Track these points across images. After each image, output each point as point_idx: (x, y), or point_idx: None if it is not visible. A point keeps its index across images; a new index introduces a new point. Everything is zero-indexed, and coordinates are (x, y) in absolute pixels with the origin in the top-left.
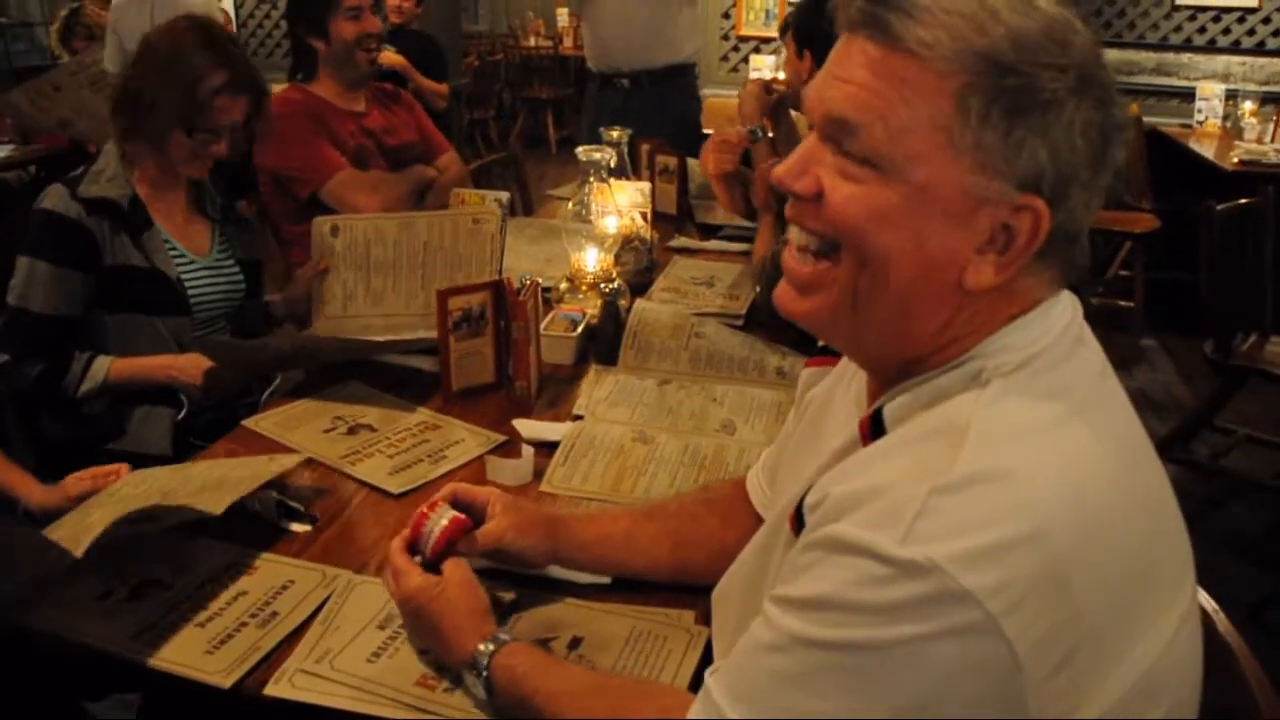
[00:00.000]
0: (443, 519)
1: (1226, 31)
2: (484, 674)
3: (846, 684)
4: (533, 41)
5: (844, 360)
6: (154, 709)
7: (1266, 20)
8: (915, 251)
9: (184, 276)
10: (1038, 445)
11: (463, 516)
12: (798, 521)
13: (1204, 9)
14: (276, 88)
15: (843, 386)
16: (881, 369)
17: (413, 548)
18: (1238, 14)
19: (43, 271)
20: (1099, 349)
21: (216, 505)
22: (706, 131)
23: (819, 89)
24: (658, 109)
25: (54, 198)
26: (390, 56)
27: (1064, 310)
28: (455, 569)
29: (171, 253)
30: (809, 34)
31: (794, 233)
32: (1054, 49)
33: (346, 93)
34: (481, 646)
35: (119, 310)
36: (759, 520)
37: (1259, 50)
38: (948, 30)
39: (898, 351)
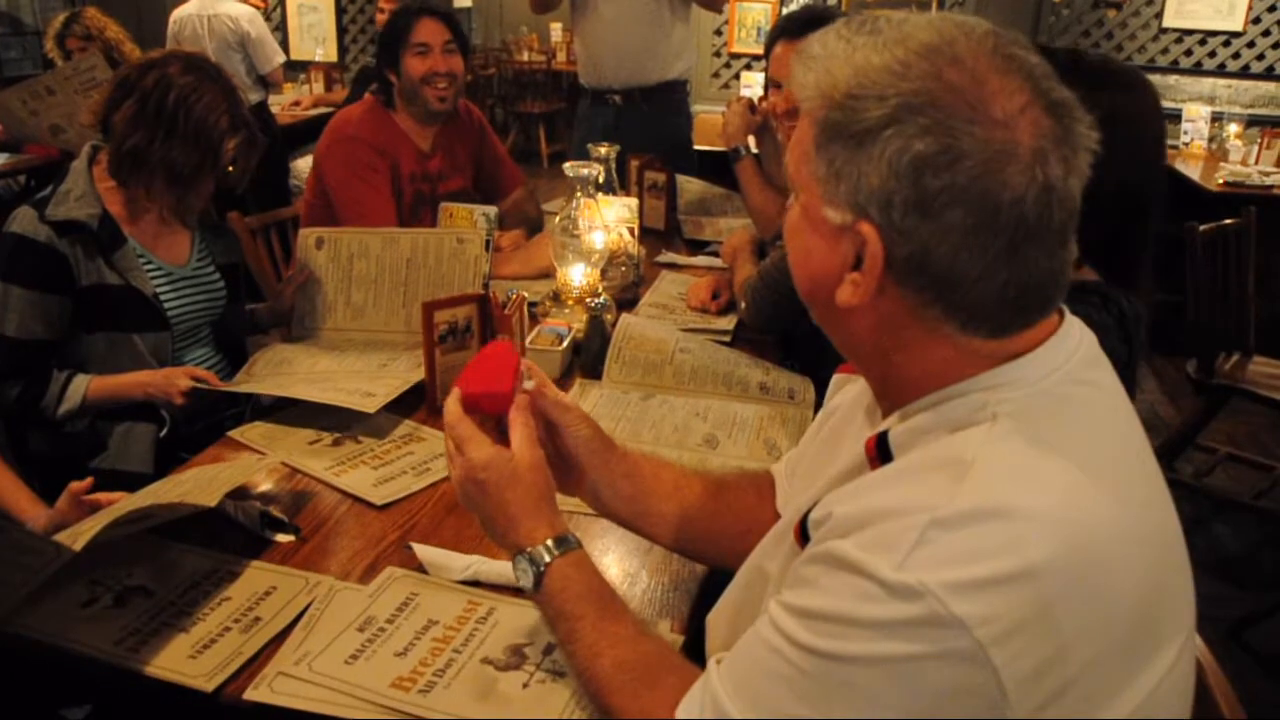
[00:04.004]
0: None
1: (1212, 55)
2: (540, 570)
3: (835, 694)
4: (525, 56)
5: None
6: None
7: (1251, 44)
8: (805, 263)
9: (161, 291)
10: (1038, 485)
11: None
12: (802, 535)
13: (1191, 32)
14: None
15: (866, 403)
16: (867, 379)
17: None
18: (1223, 38)
19: (16, 296)
20: (1114, 382)
21: (210, 499)
22: (697, 148)
23: None
24: (649, 125)
25: (23, 221)
26: None
27: (1072, 345)
28: (529, 449)
29: (147, 267)
30: None
31: None
32: (885, 80)
33: (418, 127)
34: (549, 543)
35: (96, 329)
36: (775, 512)
37: (1244, 74)
38: (815, 74)
39: (858, 359)
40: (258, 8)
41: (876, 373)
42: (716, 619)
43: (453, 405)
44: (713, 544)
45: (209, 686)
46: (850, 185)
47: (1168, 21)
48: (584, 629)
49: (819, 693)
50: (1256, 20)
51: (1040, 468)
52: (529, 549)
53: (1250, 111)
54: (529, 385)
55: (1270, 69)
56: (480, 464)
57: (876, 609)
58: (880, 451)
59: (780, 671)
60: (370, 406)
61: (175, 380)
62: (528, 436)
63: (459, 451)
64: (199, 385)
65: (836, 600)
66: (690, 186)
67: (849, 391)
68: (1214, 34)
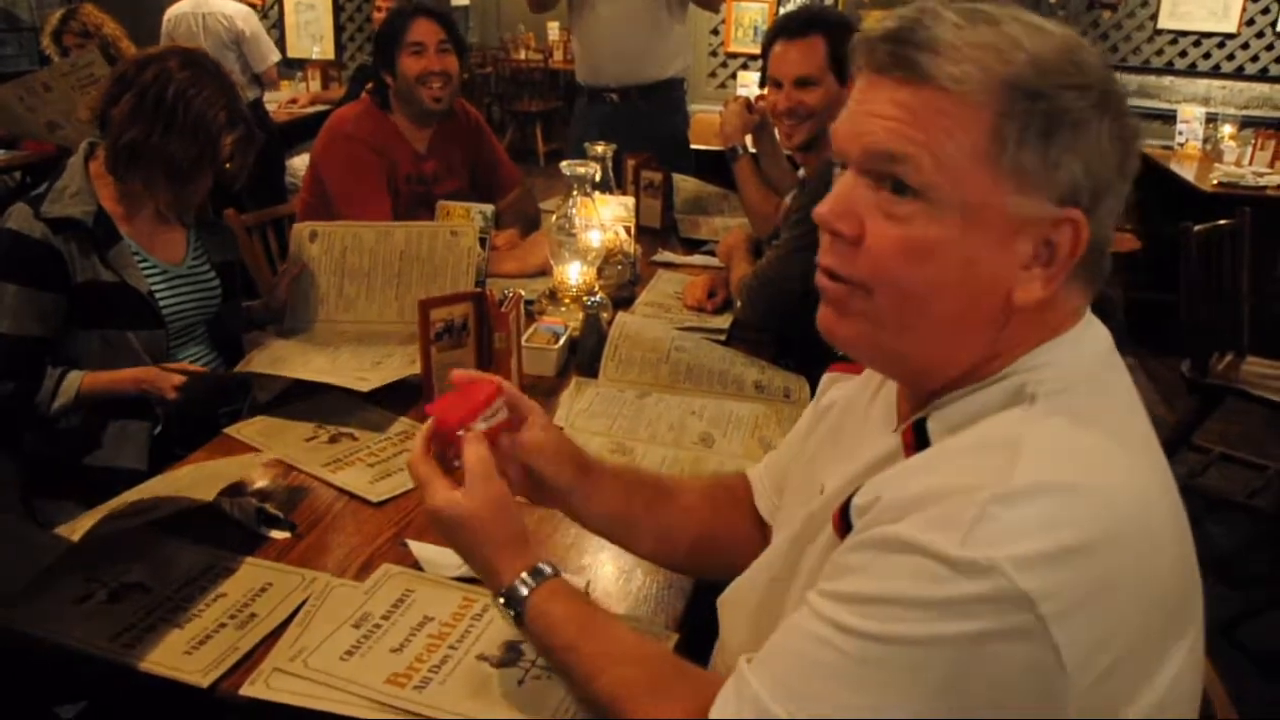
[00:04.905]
0: (504, 413)
1: (1207, 56)
2: (519, 610)
3: (894, 679)
4: (523, 54)
5: (869, 370)
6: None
7: (1245, 46)
8: (962, 280)
9: (156, 289)
10: (1088, 464)
11: (508, 418)
12: (843, 523)
13: (1185, 34)
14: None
15: (867, 396)
16: (922, 387)
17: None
18: (1218, 39)
19: (11, 293)
20: (1129, 376)
21: (207, 493)
22: (694, 147)
23: (850, 126)
24: (646, 124)
25: (18, 218)
26: None
27: (1098, 335)
28: (488, 486)
29: (142, 265)
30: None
31: (825, 256)
32: (1071, 69)
33: (414, 128)
34: (522, 577)
35: (91, 326)
36: (753, 517)
37: (1238, 75)
38: (975, 64)
39: (942, 372)
40: (254, 5)
41: (961, 372)
42: (731, 604)
43: (417, 444)
44: (693, 555)
45: (204, 682)
46: (1069, 174)
47: (1162, 23)
48: (576, 657)
49: (873, 680)
50: (1250, 22)
51: (1086, 447)
52: (503, 588)
53: (1244, 113)
54: (480, 427)
55: (1264, 70)
56: (438, 508)
57: (940, 588)
58: (918, 438)
59: (829, 662)
60: (364, 386)
61: (168, 375)
62: (482, 473)
63: (422, 493)
64: (193, 371)
65: (892, 582)
66: (685, 185)
67: (842, 389)
68: (1208, 35)
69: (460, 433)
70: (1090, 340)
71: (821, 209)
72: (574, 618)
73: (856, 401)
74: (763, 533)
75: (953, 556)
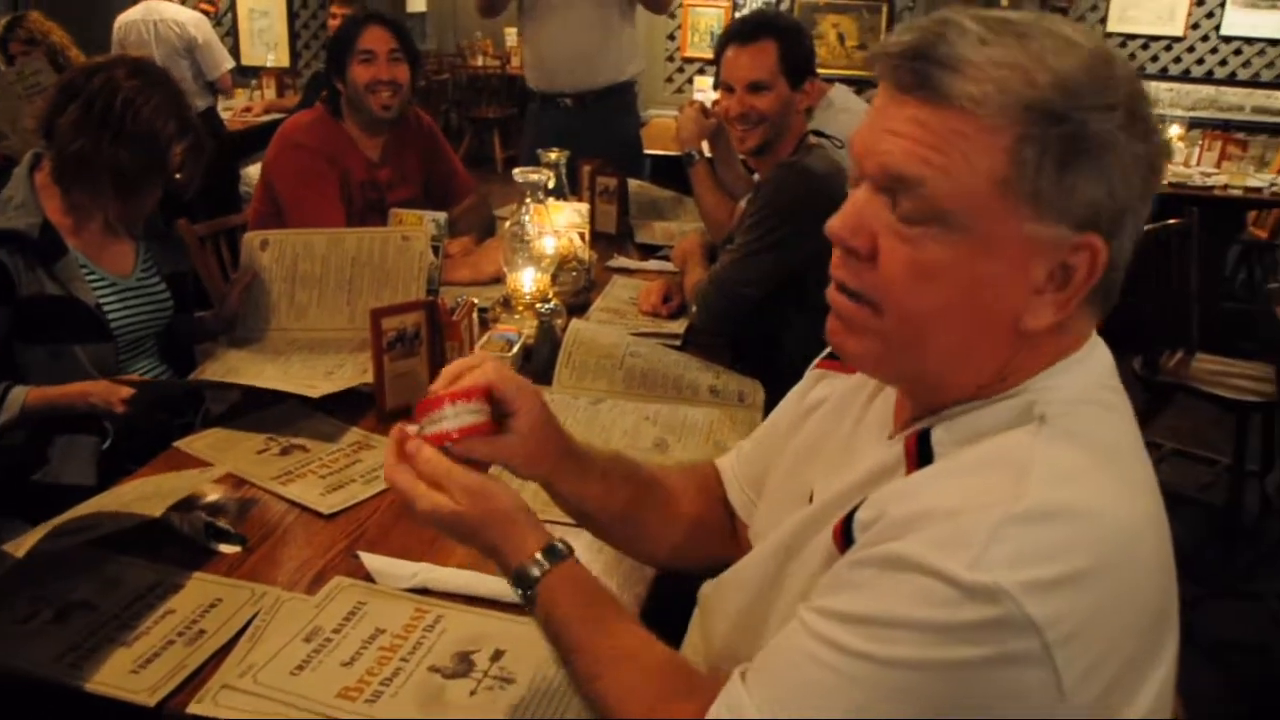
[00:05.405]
0: (476, 415)
1: (1155, 59)
2: (530, 594)
3: (889, 701)
4: (480, 60)
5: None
6: None
7: (1191, 49)
8: (969, 304)
9: (104, 302)
10: (1095, 486)
11: (487, 422)
12: (845, 538)
13: (1134, 37)
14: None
15: (863, 397)
16: (929, 400)
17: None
18: (1165, 42)
19: None
20: (1125, 395)
21: (154, 509)
22: (649, 152)
23: (867, 140)
24: (600, 129)
25: None
26: None
27: (1103, 356)
28: (454, 484)
29: (90, 278)
30: (805, 65)
31: (837, 269)
32: (1099, 88)
33: (366, 135)
34: (535, 558)
35: (37, 340)
36: (726, 508)
37: (1185, 77)
38: (996, 84)
39: (950, 390)
40: (206, 12)
41: (954, 388)
42: (714, 601)
43: (387, 454)
44: (674, 551)
45: (151, 701)
46: (1088, 198)
47: (1111, 26)
48: (579, 652)
49: (868, 701)
50: (1195, 26)
51: (1093, 469)
52: (513, 571)
53: (1192, 114)
54: (428, 431)
55: (1210, 73)
56: (426, 514)
57: (945, 611)
58: (920, 450)
59: (824, 682)
60: (314, 393)
61: (116, 388)
62: (442, 474)
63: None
64: (141, 382)
65: (894, 603)
66: (637, 189)
67: (831, 386)
68: (1156, 38)
69: (412, 431)
70: (1096, 361)
71: (834, 223)
72: (579, 616)
73: (849, 402)
74: (734, 524)
75: (963, 580)
